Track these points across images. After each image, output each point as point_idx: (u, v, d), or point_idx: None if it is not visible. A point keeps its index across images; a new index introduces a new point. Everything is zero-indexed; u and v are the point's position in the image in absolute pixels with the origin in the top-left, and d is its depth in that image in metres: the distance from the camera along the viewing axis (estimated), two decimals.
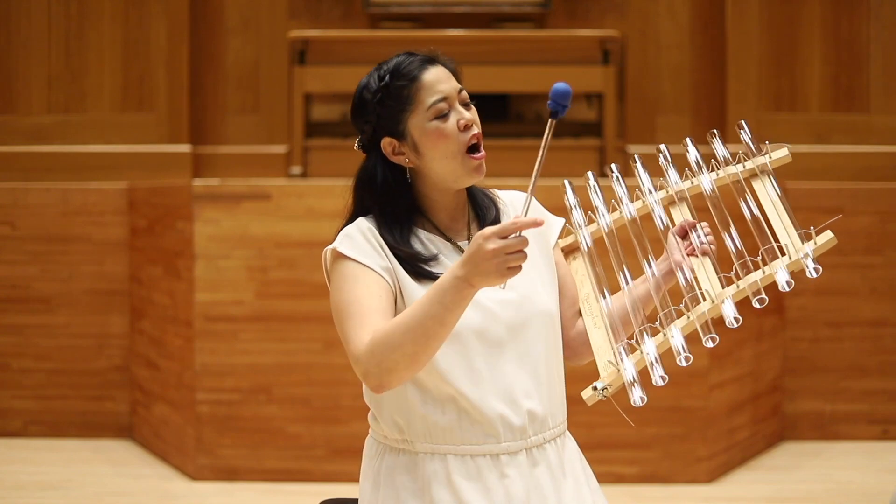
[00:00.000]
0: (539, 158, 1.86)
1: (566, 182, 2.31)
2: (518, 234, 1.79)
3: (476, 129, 2.04)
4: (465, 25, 6.42)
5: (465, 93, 2.07)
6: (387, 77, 2.05)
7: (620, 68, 6.37)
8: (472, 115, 2.06)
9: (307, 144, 6.19)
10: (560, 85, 1.87)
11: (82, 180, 5.93)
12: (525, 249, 1.94)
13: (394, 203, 2.07)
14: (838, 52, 6.18)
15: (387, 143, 2.06)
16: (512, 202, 2.18)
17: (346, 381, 4.83)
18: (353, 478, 5.08)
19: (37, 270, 5.74)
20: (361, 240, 2.03)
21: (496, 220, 2.12)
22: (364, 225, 2.06)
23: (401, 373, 1.88)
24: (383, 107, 2.05)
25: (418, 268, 2.02)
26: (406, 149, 2.05)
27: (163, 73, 6.22)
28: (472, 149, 2.04)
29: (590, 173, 2.30)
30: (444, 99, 2.03)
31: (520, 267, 1.80)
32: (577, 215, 2.25)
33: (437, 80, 2.04)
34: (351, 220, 2.12)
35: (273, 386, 4.86)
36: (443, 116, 2.02)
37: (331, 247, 2.05)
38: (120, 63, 6.23)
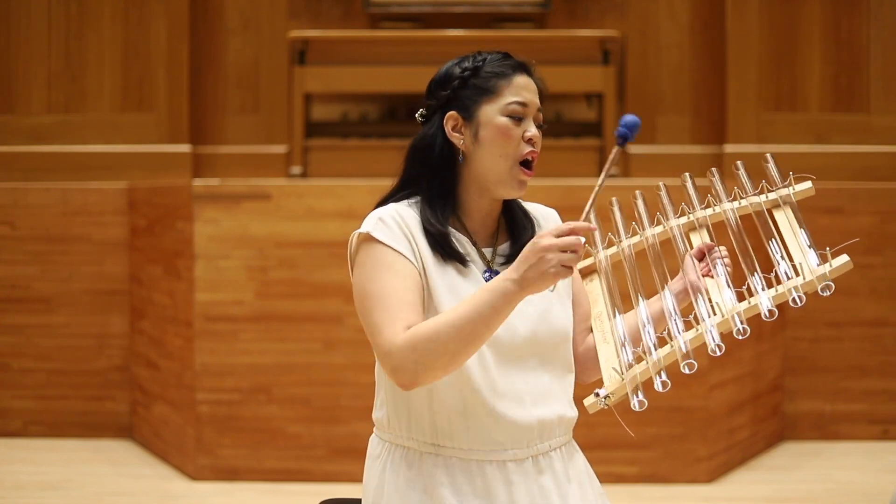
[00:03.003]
0: (603, 175, 1.92)
1: (589, 201, 2.32)
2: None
3: (536, 150, 2.05)
4: (465, 25, 6.42)
5: (541, 116, 2.08)
6: (483, 62, 2.06)
7: (620, 68, 6.37)
8: (538, 137, 2.06)
9: (307, 144, 6.19)
10: (631, 117, 1.91)
11: (82, 180, 5.94)
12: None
13: (443, 177, 2.06)
14: (838, 52, 6.18)
15: (451, 117, 2.06)
16: (543, 216, 2.18)
17: (346, 381, 4.83)
18: (353, 478, 5.06)
19: (37, 270, 5.74)
20: (394, 226, 2.01)
21: (531, 237, 2.10)
22: (395, 210, 2.04)
23: (437, 371, 1.89)
24: (466, 85, 2.06)
25: (449, 248, 2.01)
26: (467, 131, 2.05)
27: (163, 73, 6.22)
28: (526, 163, 2.05)
29: (614, 199, 2.31)
30: (523, 104, 2.04)
31: (572, 268, 1.82)
32: (597, 237, 2.26)
33: (525, 87, 2.06)
34: (398, 190, 2.10)
35: (273, 386, 4.86)
36: (515, 119, 2.04)
37: (362, 230, 2.02)
38: (120, 63, 6.23)
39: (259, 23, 6.45)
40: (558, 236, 1.82)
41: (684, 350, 1.92)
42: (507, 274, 1.85)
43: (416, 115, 2.13)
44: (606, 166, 1.96)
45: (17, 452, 5.41)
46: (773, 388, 5.46)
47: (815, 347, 5.54)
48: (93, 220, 5.74)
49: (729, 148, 6.13)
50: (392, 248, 1.98)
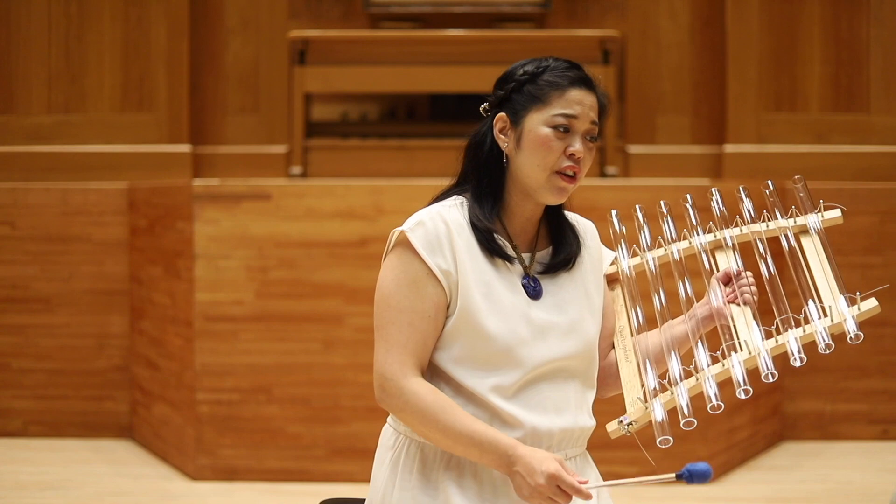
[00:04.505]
0: (630, 482, 1.95)
1: (613, 213, 2.30)
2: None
3: (577, 165, 2.03)
4: (465, 25, 6.42)
5: (596, 129, 2.06)
6: (542, 70, 2.06)
7: (620, 68, 6.37)
8: (585, 151, 2.04)
9: (307, 144, 6.18)
10: (703, 469, 1.90)
11: (82, 180, 5.94)
12: (580, 276, 2.07)
13: (490, 176, 2.07)
14: (838, 52, 6.18)
15: (500, 119, 2.08)
16: (584, 228, 2.18)
17: (346, 381, 4.83)
18: (353, 478, 5.06)
19: (37, 270, 5.74)
20: (433, 231, 2.01)
21: (574, 253, 2.12)
22: (439, 213, 2.04)
23: (409, 427, 2.03)
24: (520, 89, 2.06)
25: (495, 244, 2.03)
26: (512, 135, 2.06)
27: (163, 73, 6.22)
28: (564, 173, 2.04)
29: (637, 206, 2.29)
30: (571, 117, 2.03)
31: None
32: (622, 247, 2.25)
33: (579, 101, 2.04)
34: (456, 184, 2.12)
35: (273, 386, 4.86)
36: (560, 130, 2.03)
37: (402, 228, 2.03)
38: (120, 63, 6.23)
39: (259, 23, 6.45)
40: (561, 488, 1.89)
41: (712, 392, 1.94)
42: (513, 455, 1.92)
43: (481, 108, 2.14)
44: (638, 480, 1.99)
45: (17, 452, 5.41)
46: (773, 388, 5.46)
47: (815, 347, 5.53)
48: (93, 220, 5.74)
49: (729, 148, 6.13)
50: (424, 263, 1.99)
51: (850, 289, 2.04)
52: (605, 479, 2.16)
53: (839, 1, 6.17)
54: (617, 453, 4.71)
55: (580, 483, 1.90)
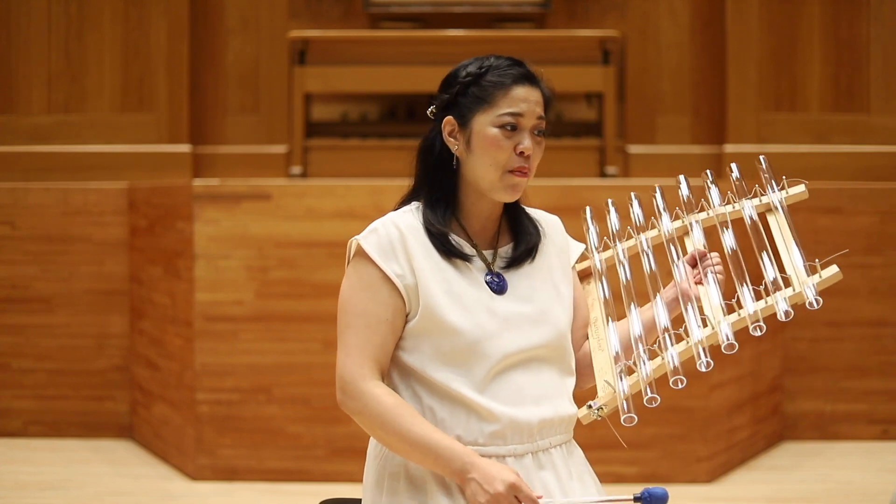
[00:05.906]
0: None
1: (587, 209, 2.34)
2: None
3: (527, 164, 2.05)
4: (465, 25, 6.42)
5: (543, 123, 2.07)
6: (485, 71, 2.07)
7: (620, 68, 6.37)
8: (534, 146, 2.05)
9: (307, 144, 6.19)
10: (661, 493, 1.94)
11: (82, 180, 5.94)
12: (546, 267, 2.09)
13: (441, 179, 2.09)
14: (838, 52, 6.18)
15: (447, 122, 2.09)
16: (548, 223, 2.20)
17: None
18: (353, 478, 5.06)
19: (37, 270, 5.74)
20: (385, 238, 2.04)
21: (535, 243, 2.13)
22: (392, 221, 2.06)
23: (368, 431, 2.05)
24: (465, 92, 2.07)
25: (450, 246, 2.04)
26: (461, 137, 2.07)
27: (163, 73, 6.23)
28: (516, 169, 2.05)
29: (610, 201, 2.32)
30: (518, 115, 2.04)
31: None
32: (593, 241, 2.29)
33: (524, 98, 2.05)
34: (413, 190, 2.13)
35: (273, 386, 4.86)
36: (508, 129, 2.04)
37: (358, 238, 2.07)
38: (120, 63, 6.23)
39: (259, 23, 6.45)
40: (522, 500, 1.90)
41: (673, 366, 1.96)
42: (468, 464, 1.93)
43: (428, 111, 2.15)
44: (597, 500, 2.02)
45: (17, 452, 5.41)
46: (773, 388, 5.46)
47: (815, 347, 5.54)
48: (93, 220, 5.74)
49: (729, 148, 6.13)
50: (379, 269, 2.03)
51: (851, 289, 2.06)
52: (595, 471, 2.17)
53: (839, 1, 6.17)
54: (617, 453, 4.72)
55: (538, 497, 1.91)
